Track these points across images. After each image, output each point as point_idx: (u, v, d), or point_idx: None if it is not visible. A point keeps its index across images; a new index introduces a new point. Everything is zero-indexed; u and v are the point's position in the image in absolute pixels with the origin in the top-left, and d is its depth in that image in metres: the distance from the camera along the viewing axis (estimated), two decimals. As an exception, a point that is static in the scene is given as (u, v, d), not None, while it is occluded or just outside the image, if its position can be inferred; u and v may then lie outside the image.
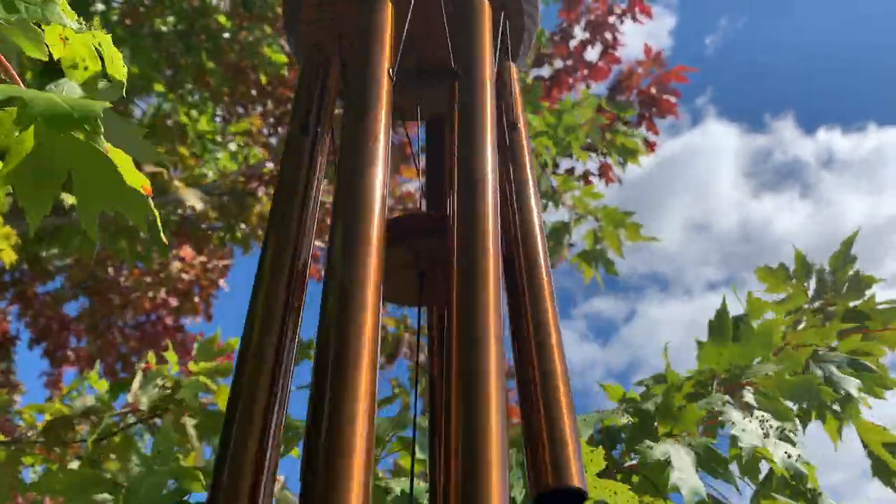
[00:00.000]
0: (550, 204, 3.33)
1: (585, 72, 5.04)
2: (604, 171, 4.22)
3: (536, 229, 0.72)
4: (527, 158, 0.80)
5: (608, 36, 5.11)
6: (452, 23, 0.83)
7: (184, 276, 4.43)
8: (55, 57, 0.71)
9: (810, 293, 1.65)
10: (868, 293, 1.62)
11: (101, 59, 0.73)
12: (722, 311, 1.30)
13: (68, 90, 0.72)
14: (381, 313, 0.58)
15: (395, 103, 0.92)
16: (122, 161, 0.65)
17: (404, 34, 0.82)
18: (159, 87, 4.35)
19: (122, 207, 0.69)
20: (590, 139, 3.16)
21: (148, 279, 4.51)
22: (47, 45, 0.71)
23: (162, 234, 0.69)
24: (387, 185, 0.65)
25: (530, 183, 0.77)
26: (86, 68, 0.74)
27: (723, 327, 1.30)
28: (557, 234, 3.39)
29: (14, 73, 0.67)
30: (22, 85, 0.65)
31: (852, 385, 1.33)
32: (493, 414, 0.51)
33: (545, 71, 5.16)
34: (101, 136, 0.61)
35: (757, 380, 1.30)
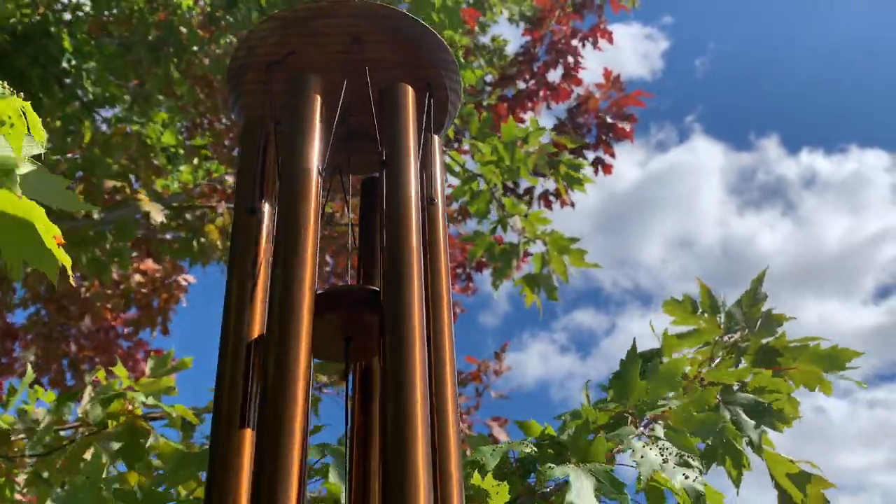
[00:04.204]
0: (499, 227, 3.42)
1: (547, 93, 5.16)
2: (558, 194, 4.33)
3: (444, 303, 0.80)
4: (441, 235, 0.86)
5: (570, 59, 5.23)
6: (380, 109, 0.89)
7: (143, 290, 4.45)
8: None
9: (721, 328, 1.74)
10: (780, 330, 1.72)
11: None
12: (632, 352, 1.39)
13: (-5, 144, 0.81)
14: (311, 376, 0.68)
15: (332, 164, 0.99)
16: (37, 214, 0.73)
17: (339, 109, 0.88)
18: (123, 99, 4.38)
19: (35, 261, 0.76)
20: (538, 166, 3.26)
21: (108, 291, 4.51)
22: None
23: (71, 279, 0.77)
24: (315, 273, 0.74)
25: (442, 261, 0.83)
26: (12, 125, 0.82)
27: (631, 366, 1.38)
28: (506, 255, 3.47)
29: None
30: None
31: (751, 430, 1.42)
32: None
33: (508, 92, 5.26)
34: (17, 187, 0.69)
35: (668, 413, 1.39)
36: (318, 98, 0.86)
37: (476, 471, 1.16)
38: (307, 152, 0.81)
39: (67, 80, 3.74)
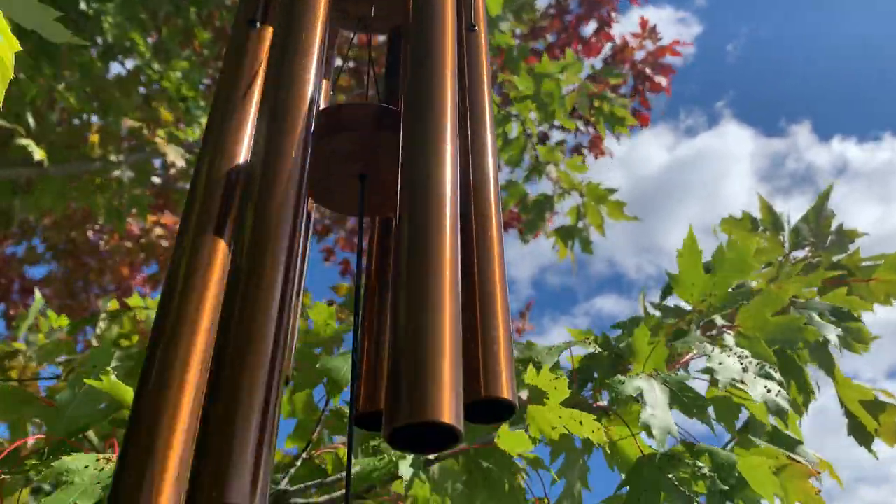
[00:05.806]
0: (535, 176, 3.26)
1: (579, 47, 4.96)
2: (595, 144, 4.15)
3: (489, 147, 0.65)
4: (484, 69, 0.71)
5: (603, 13, 5.03)
6: None
7: (164, 243, 4.33)
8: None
9: (786, 246, 1.58)
10: (852, 248, 1.55)
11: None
12: (689, 241, 1.21)
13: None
14: (301, 220, 0.51)
15: (349, 12, 0.84)
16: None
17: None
18: (143, 50, 4.25)
19: None
20: (577, 106, 3.08)
21: (128, 244, 4.41)
22: None
23: None
24: (319, 89, 0.59)
25: (486, 101, 0.68)
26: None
27: (692, 258, 1.21)
28: (539, 207, 3.31)
29: None
30: None
31: (832, 332, 1.25)
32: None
33: (538, 45, 5.07)
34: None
35: (739, 321, 1.23)
36: None
37: (531, 366, 1.00)
38: None
39: (86, 24, 3.61)
